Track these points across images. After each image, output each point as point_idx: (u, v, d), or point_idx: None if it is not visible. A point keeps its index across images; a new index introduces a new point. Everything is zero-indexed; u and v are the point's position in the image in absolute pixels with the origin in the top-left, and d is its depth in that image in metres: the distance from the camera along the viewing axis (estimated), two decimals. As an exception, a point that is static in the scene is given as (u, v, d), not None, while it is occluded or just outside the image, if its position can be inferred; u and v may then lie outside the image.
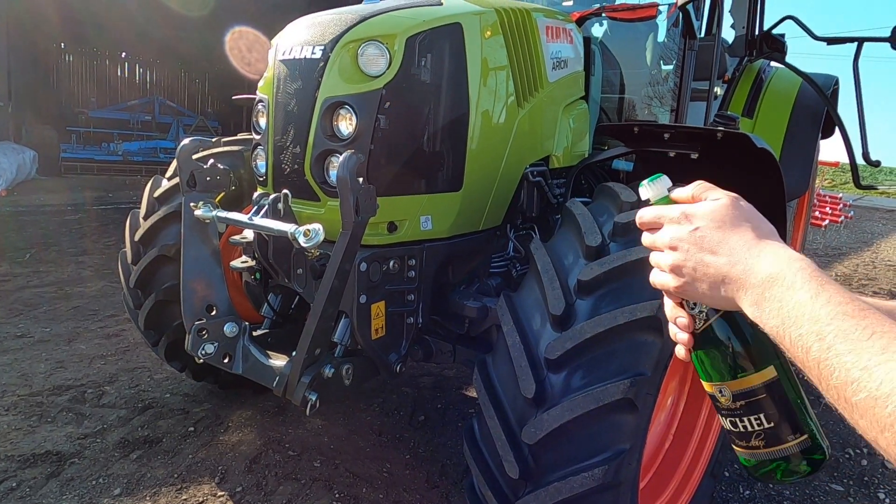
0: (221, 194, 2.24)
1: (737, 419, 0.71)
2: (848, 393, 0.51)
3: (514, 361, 1.57)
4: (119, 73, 16.30)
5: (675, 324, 0.78)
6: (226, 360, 2.14)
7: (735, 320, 0.71)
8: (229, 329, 2.13)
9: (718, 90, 3.56)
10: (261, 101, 2.15)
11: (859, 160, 3.06)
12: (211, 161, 2.20)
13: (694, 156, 2.08)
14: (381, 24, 1.91)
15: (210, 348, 2.09)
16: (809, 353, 0.55)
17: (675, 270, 0.72)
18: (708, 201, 0.73)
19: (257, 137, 2.18)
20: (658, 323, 1.46)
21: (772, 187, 2.16)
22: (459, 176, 2.15)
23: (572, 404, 1.44)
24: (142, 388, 3.19)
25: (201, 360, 2.12)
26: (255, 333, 2.22)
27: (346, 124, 1.91)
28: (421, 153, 2.03)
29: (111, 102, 15.18)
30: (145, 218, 2.72)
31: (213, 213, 2.07)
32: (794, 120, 3.41)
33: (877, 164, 3.05)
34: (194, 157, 2.24)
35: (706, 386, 0.74)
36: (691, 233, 0.71)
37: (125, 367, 3.45)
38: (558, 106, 2.66)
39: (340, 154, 1.92)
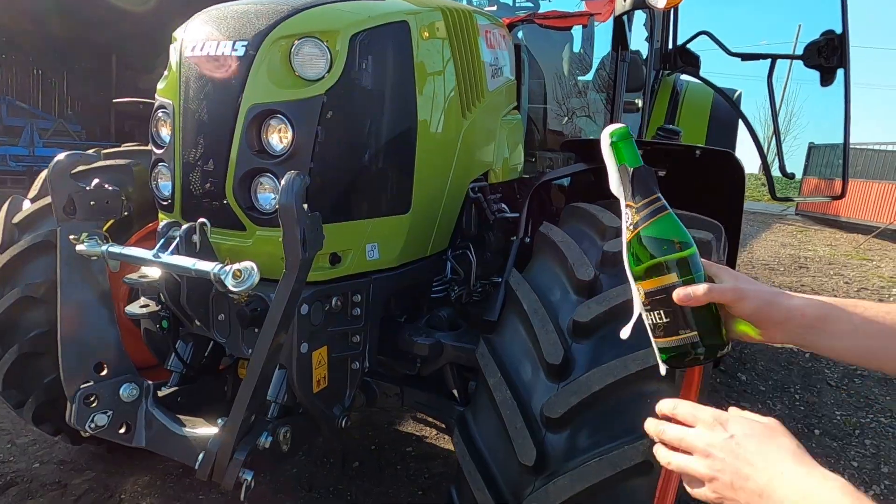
0: (110, 222, 1.80)
1: (647, 314, 0.87)
2: None
3: (507, 421, 1.32)
4: (-45, 70, 14.12)
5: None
6: (123, 431, 1.71)
7: (644, 241, 0.86)
8: (127, 392, 1.71)
9: (639, 102, 3.57)
10: (162, 107, 1.74)
11: (775, 172, 3.16)
12: (96, 181, 1.74)
13: (662, 173, 1.97)
14: (319, 19, 1.59)
15: (102, 419, 1.66)
16: None
17: (710, 480, 0.71)
18: (739, 417, 0.75)
19: (159, 152, 1.77)
20: (672, 369, 1.27)
21: (730, 203, 2.11)
22: (407, 196, 1.89)
23: (584, 472, 1.23)
24: (1, 459, 2.57)
25: (89, 434, 1.67)
26: (160, 393, 1.80)
27: (280, 137, 1.58)
28: (366, 171, 1.74)
29: (-55, 103, 13.08)
30: (2, 250, 2.17)
31: (103, 247, 1.63)
32: (712, 130, 3.49)
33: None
34: (72, 173, 1.77)
35: (634, 289, 0.89)
36: (727, 440, 0.70)
37: (-24, 432, 2.79)
38: (496, 116, 2.47)
39: (272, 173, 1.59)
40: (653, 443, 1.24)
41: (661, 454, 0.79)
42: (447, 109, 2.01)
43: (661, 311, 0.84)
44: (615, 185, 0.92)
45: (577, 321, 1.36)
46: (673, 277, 0.83)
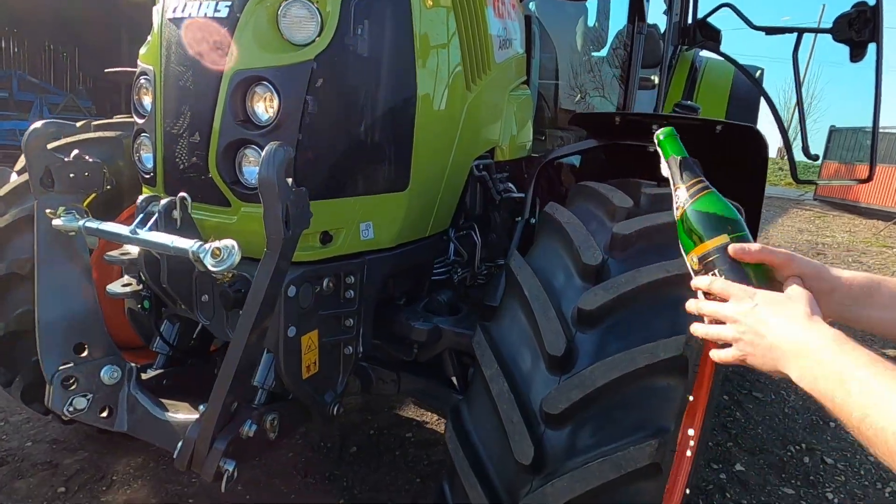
0: (92, 195, 1.70)
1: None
2: (863, 427, 0.69)
3: (503, 415, 1.23)
4: (-33, 43, 14.08)
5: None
6: (104, 415, 1.64)
7: (688, 218, 0.95)
8: (108, 374, 1.63)
9: (655, 78, 3.41)
10: (144, 73, 1.64)
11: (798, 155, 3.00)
12: (75, 152, 1.64)
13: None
14: (309, -23, 1.47)
15: (81, 402, 1.59)
16: (835, 401, 0.73)
17: (735, 342, 0.84)
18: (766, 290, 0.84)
19: (140, 122, 1.67)
20: (684, 363, 1.17)
21: (752, 183, 1.97)
22: (405, 172, 1.78)
23: (586, 473, 1.13)
24: (-7, 437, 2.54)
25: (68, 418, 1.60)
26: (144, 376, 1.73)
27: (266, 106, 1.47)
28: (360, 144, 1.62)
29: (-43, 76, 13.07)
30: (-13, 224, 2.09)
31: (80, 222, 1.54)
32: (732, 109, 3.33)
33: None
34: (51, 146, 1.67)
35: (687, 260, 0.96)
36: (751, 308, 0.82)
37: (-30, 409, 2.75)
38: (504, 91, 2.34)
39: (257, 145, 1.48)
40: (662, 443, 1.14)
41: (698, 328, 0.90)
42: (450, 81, 1.89)
43: (716, 271, 0.90)
44: (665, 173, 1.02)
45: (582, 309, 1.25)
46: (725, 238, 0.91)
